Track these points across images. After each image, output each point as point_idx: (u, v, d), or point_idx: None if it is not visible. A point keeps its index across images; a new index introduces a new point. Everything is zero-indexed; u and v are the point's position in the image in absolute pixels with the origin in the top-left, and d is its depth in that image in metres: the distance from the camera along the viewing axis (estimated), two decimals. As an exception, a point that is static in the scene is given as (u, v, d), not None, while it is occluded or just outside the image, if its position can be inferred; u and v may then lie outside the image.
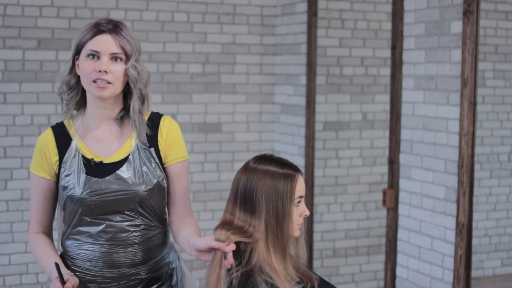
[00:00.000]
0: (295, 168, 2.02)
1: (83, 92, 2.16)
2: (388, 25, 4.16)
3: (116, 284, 2.14)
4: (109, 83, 2.07)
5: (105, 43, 2.06)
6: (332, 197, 4.49)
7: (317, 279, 2.06)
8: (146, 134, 2.18)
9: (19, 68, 4.00)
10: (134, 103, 2.13)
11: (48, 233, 2.23)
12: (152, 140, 2.18)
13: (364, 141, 4.53)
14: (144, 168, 2.15)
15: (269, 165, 2.01)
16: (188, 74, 4.38)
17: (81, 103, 2.19)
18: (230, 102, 4.50)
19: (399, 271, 3.52)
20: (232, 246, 1.87)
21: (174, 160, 2.22)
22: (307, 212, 2.03)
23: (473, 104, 3.00)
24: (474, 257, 3.20)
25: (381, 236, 4.49)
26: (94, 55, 2.06)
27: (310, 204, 4.23)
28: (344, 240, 4.55)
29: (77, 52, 2.09)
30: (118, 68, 2.08)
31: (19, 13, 3.98)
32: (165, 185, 2.20)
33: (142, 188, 2.13)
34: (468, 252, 3.05)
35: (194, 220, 2.24)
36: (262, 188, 1.96)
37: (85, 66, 2.07)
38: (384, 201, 3.57)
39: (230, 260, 1.85)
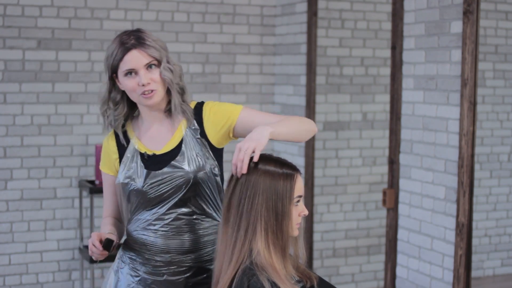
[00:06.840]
0: (294, 168, 2.03)
1: (129, 103, 2.31)
2: (388, 25, 4.16)
3: (166, 268, 2.25)
4: (152, 90, 2.22)
5: (136, 59, 2.20)
6: (332, 197, 4.49)
7: (317, 278, 2.07)
8: (196, 123, 2.29)
9: (19, 68, 4.00)
10: (175, 99, 2.26)
11: (117, 218, 2.44)
12: (201, 129, 2.29)
13: (364, 141, 4.53)
14: (197, 155, 2.25)
15: (268, 164, 2.02)
16: (188, 74, 4.38)
17: (128, 113, 2.34)
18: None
19: (399, 271, 3.52)
20: None
21: (233, 120, 2.33)
22: (306, 212, 2.03)
23: (473, 104, 3.00)
24: (474, 257, 3.20)
25: (381, 236, 4.48)
26: (131, 72, 2.20)
27: (310, 204, 4.23)
28: (344, 240, 4.54)
29: (114, 72, 2.23)
30: (156, 74, 2.22)
31: (19, 13, 3.98)
32: (218, 173, 2.29)
33: (196, 174, 2.23)
34: (468, 252, 3.05)
35: None
36: (261, 187, 1.96)
37: (128, 84, 2.21)
38: (384, 201, 3.57)
39: None
